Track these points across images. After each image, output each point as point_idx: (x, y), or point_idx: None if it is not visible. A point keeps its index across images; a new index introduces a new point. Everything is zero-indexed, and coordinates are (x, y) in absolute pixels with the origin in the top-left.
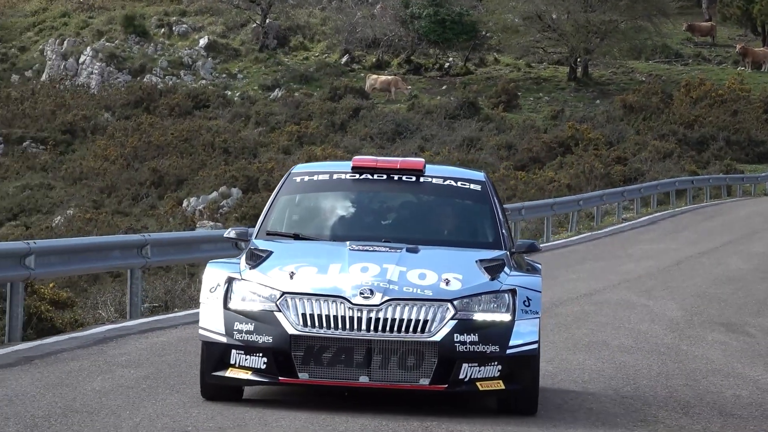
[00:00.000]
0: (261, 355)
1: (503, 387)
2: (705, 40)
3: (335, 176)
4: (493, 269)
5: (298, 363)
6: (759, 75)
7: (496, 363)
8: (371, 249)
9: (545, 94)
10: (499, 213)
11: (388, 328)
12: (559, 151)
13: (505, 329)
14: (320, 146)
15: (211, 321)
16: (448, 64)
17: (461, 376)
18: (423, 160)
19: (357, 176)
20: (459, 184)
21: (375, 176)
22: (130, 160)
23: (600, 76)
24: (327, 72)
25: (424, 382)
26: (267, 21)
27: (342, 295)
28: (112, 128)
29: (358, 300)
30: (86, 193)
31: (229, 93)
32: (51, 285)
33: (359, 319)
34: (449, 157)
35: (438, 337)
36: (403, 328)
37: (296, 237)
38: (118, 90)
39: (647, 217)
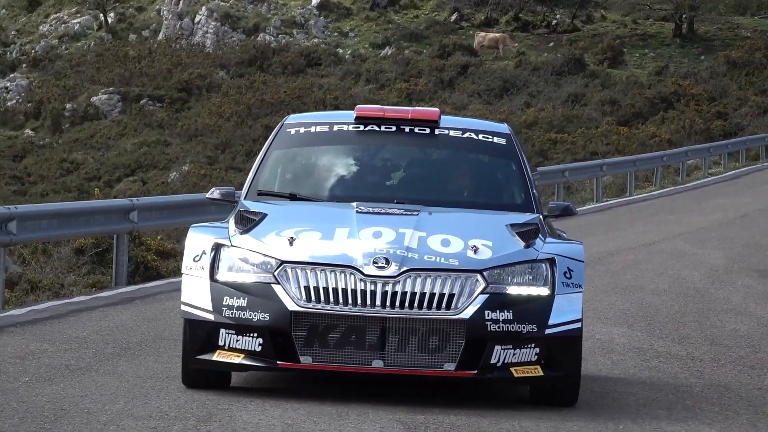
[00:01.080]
0: (256, 335)
1: (541, 373)
2: None
3: (335, 128)
4: (527, 235)
5: (300, 345)
6: None
7: (533, 345)
8: (383, 212)
9: (650, 50)
10: (528, 170)
11: (407, 304)
12: (661, 106)
13: (544, 305)
14: (429, 103)
15: (195, 295)
16: (555, 21)
17: (493, 361)
18: (438, 110)
19: (361, 128)
20: (480, 137)
21: (382, 128)
22: (243, 117)
23: (705, 32)
24: (436, 30)
25: (449, 367)
26: None
27: (352, 264)
28: (227, 86)
29: (371, 270)
30: (201, 150)
31: (341, 51)
32: (159, 237)
33: (373, 293)
34: (554, 112)
35: (466, 315)
36: (425, 304)
37: (292, 197)
38: (232, 49)
39: (732, 172)
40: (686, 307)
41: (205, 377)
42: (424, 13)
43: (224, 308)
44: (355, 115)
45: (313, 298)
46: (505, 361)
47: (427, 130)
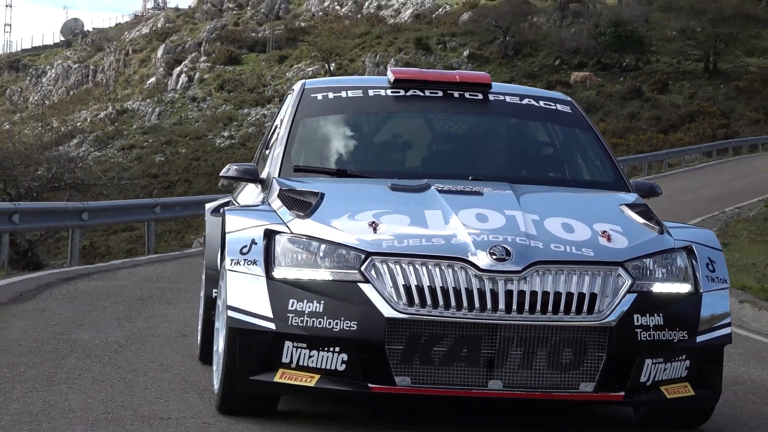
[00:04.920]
0: (338, 350)
1: (692, 393)
2: None
3: (371, 92)
4: (650, 219)
5: (396, 362)
6: None
7: (683, 357)
8: (470, 190)
9: (687, 82)
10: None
11: (539, 307)
12: (688, 120)
13: (691, 306)
14: None
15: (246, 298)
16: (624, 62)
17: (642, 379)
18: (487, 74)
19: (402, 92)
20: (542, 103)
21: (427, 92)
22: None
23: (725, 68)
24: (545, 70)
25: (587, 388)
26: (507, 38)
27: (462, 256)
28: None
29: (488, 263)
30: None
31: None
32: None
33: (493, 294)
34: (617, 125)
35: (612, 320)
36: (562, 307)
37: (341, 173)
38: None
39: (701, 165)
40: None
41: (251, 403)
42: (538, 59)
43: (290, 315)
44: (392, 78)
45: (416, 300)
46: (655, 379)
47: (480, 96)
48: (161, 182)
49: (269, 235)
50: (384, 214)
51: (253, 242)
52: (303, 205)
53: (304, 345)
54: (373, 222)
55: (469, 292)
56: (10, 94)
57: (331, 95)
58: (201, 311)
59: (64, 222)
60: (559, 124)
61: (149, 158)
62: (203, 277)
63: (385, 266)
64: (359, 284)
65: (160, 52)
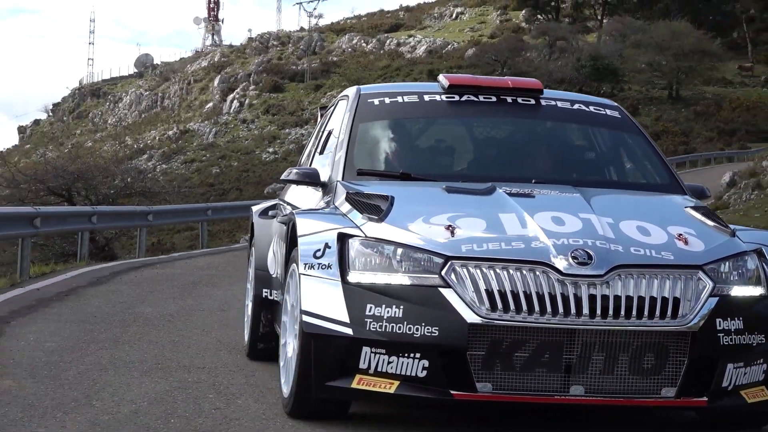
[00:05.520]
0: (419, 356)
1: None
2: (748, 73)
3: (427, 98)
4: (718, 221)
5: (477, 368)
6: None
7: (761, 361)
8: (539, 193)
9: (654, 107)
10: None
11: (623, 312)
12: (654, 137)
13: (766, 309)
14: None
15: (321, 302)
16: (602, 90)
17: (725, 384)
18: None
19: (456, 98)
20: (592, 108)
21: (481, 98)
22: None
23: (686, 95)
24: None
25: (669, 393)
26: (504, 70)
27: (543, 260)
28: None
29: (570, 268)
30: None
31: None
32: None
33: (576, 298)
34: None
35: (695, 324)
36: (646, 312)
37: (405, 177)
38: None
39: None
40: None
41: (322, 407)
42: None
43: (368, 320)
44: (447, 84)
45: (499, 305)
46: (736, 383)
47: (532, 101)
48: (216, 190)
49: (342, 239)
50: (459, 218)
51: (327, 246)
52: (374, 208)
53: (383, 351)
54: (450, 225)
55: (552, 297)
56: (92, 117)
57: (387, 100)
58: (249, 310)
59: (133, 222)
60: (611, 128)
61: (207, 170)
62: (251, 276)
63: (465, 271)
64: (440, 289)
65: (216, 82)
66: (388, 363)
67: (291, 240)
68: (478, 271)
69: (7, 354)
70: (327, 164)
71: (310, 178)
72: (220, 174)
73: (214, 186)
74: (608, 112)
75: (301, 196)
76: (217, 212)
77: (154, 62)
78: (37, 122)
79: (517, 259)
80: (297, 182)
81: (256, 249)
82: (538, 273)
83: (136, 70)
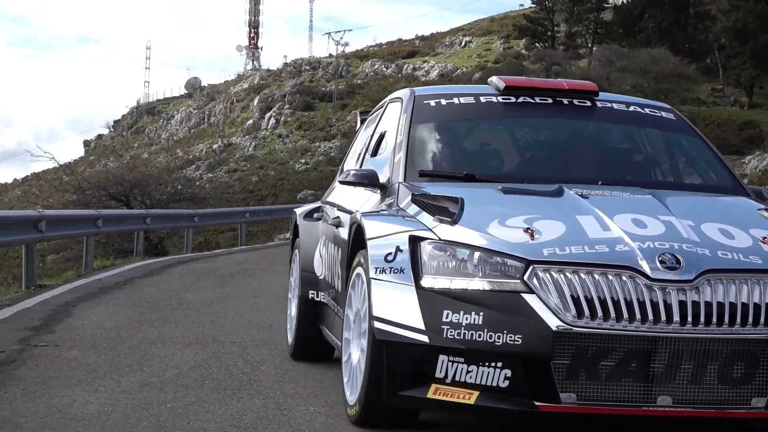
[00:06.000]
0: (500, 365)
1: None
2: (719, 94)
3: (483, 99)
4: None
5: (561, 378)
6: (742, 112)
7: None
8: (611, 195)
9: None
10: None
11: (715, 319)
12: None
13: None
14: None
15: (394, 308)
16: None
17: None
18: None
19: (512, 99)
20: (647, 110)
21: (537, 99)
22: None
23: None
24: None
25: (759, 404)
26: None
27: (630, 264)
28: None
29: (658, 272)
30: None
31: None
32: None
33: (666, 305)
34: None
35: None
36: (738, 319)
37: (469, 178)
38: None
39: None
40: None
41: (392, 416)
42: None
43: (445, 327)
44: (502, 86)
45: (586, 312)
46: None
47: (588, 103)
48: (255, 196)
49: (414, 242)
50: (536, 220)
51: (399, 249)
52: (445, 210)
53: (462, 359)
54: (528, 228)
55: (641, 303)
56: (147, 132)
57: (443, 102)
58: (293, 311)
59: (181, 223)
60: (668, 129)
61: (247, 178)
62: (296, 278)
63: (548, 275)
64: (522, 295)
65: (255, 101)
66: (467, 372)
67: (354, 243)
68: (562, 276)
69: (74, 331)
70: (385, 166)
71: (369, 180)
72: (259, 182)
73: (253, 192)
74: (664, 114)
75: (356, 198)
76: (254, 215)
77: (202, 84)
78: (100, 137)
79: (602, 263)
80: (355, 184)
81: (301, 251)
82: (624, 278)
83: (186, 91)
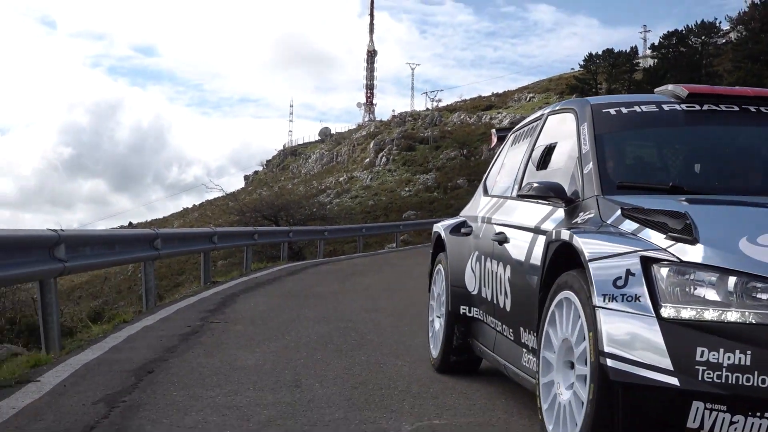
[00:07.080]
0: None
1: None
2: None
3: (666, 107)
4: None
5: None
6: None
7: None
8: None
9: None
10: None
11: None
12: None
13: None
14: None
15: (632, 344)
16: None
17: None
18: None
19: (697, 107)
20: None
21: (722, 107)
22: None
23: None
24: None
25: None
26: None
27: None
28: None
29: None
30: None
31: None
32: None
33: None
34: None
35: None
36: None
37: (675, 190)
38: None
39: None
40: None
41: None
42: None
43: (701, 367)
44: (685, 93)
45: None
46: None
47: None
48: (371, 216)
49: (645, 264)
50: None
51: (630, 273)
52: (677, 227)
53: (723, 408)
54: None
55: None
56: (291, 169)
57: (624, 110)
58: (439, 324)
59: (315, 237)
60: None
61: (365, 203)
62: (444, 291)
63: None
64: None
65: (371, 145)
66: (731, 424)
67: (553, 263)
68: None
69: (239, 312)
70: (566, 179)
71: (555, 193)
72: (374, 205)
73: (369, 213)
74: None
75: (528, 214)
76: (369, 230)
77: (332, 132)
78: (256, 172)
79: None
80: (537, 197)
81: (450, 266)
82: None
83: (319, 138)
